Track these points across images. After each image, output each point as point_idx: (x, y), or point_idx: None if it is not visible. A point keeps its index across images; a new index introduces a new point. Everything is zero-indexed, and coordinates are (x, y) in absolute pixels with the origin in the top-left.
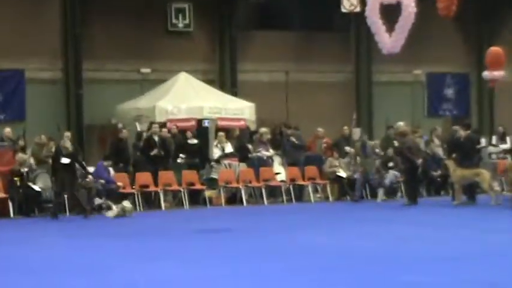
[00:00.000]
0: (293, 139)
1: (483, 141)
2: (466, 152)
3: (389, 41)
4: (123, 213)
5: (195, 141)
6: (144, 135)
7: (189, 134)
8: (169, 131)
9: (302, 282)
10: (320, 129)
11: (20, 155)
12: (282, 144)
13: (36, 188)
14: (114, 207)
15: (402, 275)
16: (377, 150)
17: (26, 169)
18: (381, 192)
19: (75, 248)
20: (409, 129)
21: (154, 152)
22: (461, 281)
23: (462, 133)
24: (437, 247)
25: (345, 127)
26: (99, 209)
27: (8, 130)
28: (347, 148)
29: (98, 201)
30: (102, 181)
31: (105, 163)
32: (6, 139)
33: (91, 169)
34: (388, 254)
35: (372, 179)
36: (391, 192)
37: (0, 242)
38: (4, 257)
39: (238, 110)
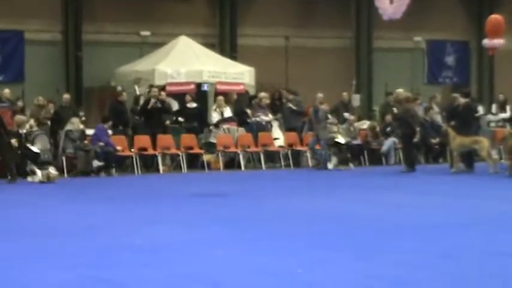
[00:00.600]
0: (290, 105)
1: (481, 110)
2: (465, 120)
3: (390, 6)
4: (47, 179)
5: (194, 105)
6: (142, 98)
7: (188, 97)
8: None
9: (298, 247)
10: (320, 95)
11: (19, 116)
12: (281, 109)
13: (35, 149)
14: (38, 172)
15: (399, 241)
16: (330, 116)
17: (24, 130)
18: (334, 161)
19: (73, 212)
20: (411, 97)
21: (152, 103)
22: (459, 248)
23: (461, 101)
24: (434, 214)
25: (344, 93)
26: (98, 171)
27: (7, 91)
28: (346, 114)
29: (96, 163)
30: (101, 143)
31: (105, 125)
32: (5, 100)
33: (90, 131)
34: (387, 220)
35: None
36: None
37: None
38: (1, 219)
39: (238, 74)
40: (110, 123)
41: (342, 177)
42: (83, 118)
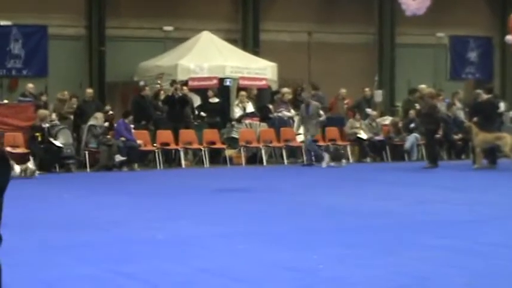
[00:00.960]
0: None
1: (502, 106)
2: (487, 116)
3: (414, 2)
4: (25, 174)
5: (216, 100)
6: (162, 92)
7: (210, 93)
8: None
9: (320, 242)
10: (343, 90)
11: (41, 111)
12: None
13: (58, 143)
14: (16, 167)
15: (422, 237)
16: (321, 112)
17: (47, 125)
18: (326, 158)
19: (96, 205)
20: (435, 92)
21: (172, 90)
22: (482, 244)
23: (484, 97)
24: (458, 210)
25: (366, 88)
26: (120, 166)
27: (30, 86)
28: (368, 110)
29: (118, 158)
30: (123, 138)
31: (126, 120)
32: (28, 94)
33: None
34: (409, 216)
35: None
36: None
37: (22, 198)
38: (27, 213)
39: (260, 69)
40: (131, 117)
41: (364, 173)
42: (110, 112)
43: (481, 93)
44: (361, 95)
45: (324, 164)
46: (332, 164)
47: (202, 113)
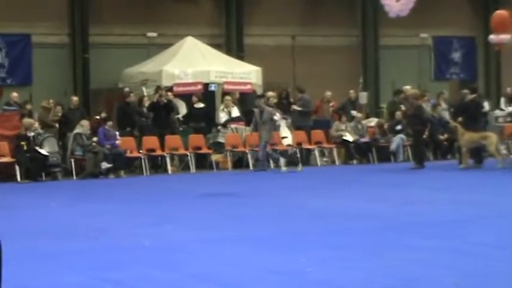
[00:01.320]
0: (295, 107)
1: (487, 105)
2: (472, 116)
3: (396, 3)
4: None
5: (201, 105)
6: (146, 99)
7: (194, 98)
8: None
9: (308, 245)
10: (328, 93)
11: (27, 119)
12: (288, 110)
13: (43, 152)
14: None
15: (409, 238)
16: (275, 118)
17: (32, 133)
18: (282, 162)
19: (82, 212)
20: (419, 93)
21: (157, 97)
22: (469, 244)
23: (469, 96)
24: (444, 210)
25: (351, 91)
26: (107, 173)
27: (15, 95)
28: (353, 112)
29: (104, 165)
30: (108, 146)
31: (106, 126)
32: (13, 103)
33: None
34: (396, 217)
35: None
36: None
37: (8, 207)
38: (13, 221)
39: (245, 74)
40: (110, 123)
41: (350, 175)
42: (103, 114)
43: (468, 93)
44: (346, 97)
45: (282, 169)
46: (285, 169)
47: (179, 117)
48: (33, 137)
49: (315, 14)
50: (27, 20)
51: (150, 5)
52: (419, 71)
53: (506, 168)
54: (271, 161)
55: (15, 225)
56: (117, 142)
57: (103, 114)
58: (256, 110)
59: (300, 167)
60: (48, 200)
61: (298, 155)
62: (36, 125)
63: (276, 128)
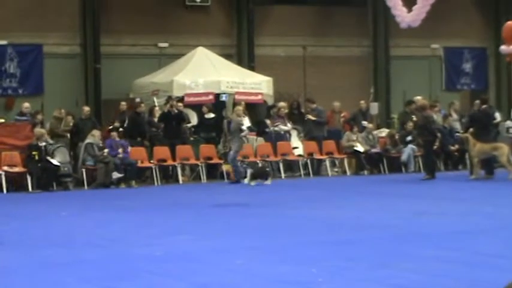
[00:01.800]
0: (310, 116)
1: (498, 116)
2: (483, 126)
3: (408, 14)
4: None
5: (211, 115)
6: (157, 109)
7: (205, 109)
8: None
9: (319, 256)
10: (336, 104)
11: (38, 129)
12: (300, 120)
13: (55, 162)
14: None
15: (421, 249)
16: (243, 128)
17: (43, 143)
18: (248, 174)
19: (93, 222)
20: (428, 104)
21: (168, 107)
22: (480, 255)
23: (480, 107)
24: (455, 221)
25: (362, 101)
26: (118, 183)
27: (26, 105)
28: (364, 122)
29: (115, 175)
30: (120, 155)
31: (115, 136)
32: (24, 113)
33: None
34: (407, 228)
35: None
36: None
37: (20, 217)
38: (25, 231)
39: (256, 84)
40: (115, 134)
41: (361, 185)
42: (116, 124)
43: (479, 103)
44: (357, 108)
45: (245, 181)
46: (253, 183)
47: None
48: (45, 147)
49: (326, 25)
50: (39, 30)
51: (161, 16)
52: (430, 81)
53: None
54: (248, 174)
55: (26, 235)
56: (128, 150)
57: (116, 124)
58: (224, 121)
59: (269, 181)
60: (59, 209)
61: (268, 168)
62: (46, 136)
63: (243, 138)
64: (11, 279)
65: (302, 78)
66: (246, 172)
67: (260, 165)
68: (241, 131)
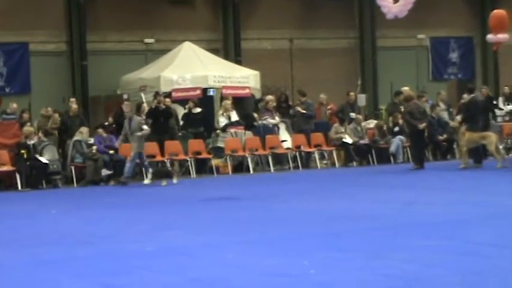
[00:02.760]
0: (299, 108)
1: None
2: (471, 116)
3: (394, 5)
4: None
5: (198, 110)
6: (144, 105)
7: (190, 104)
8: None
9: (310, 248)
10: (323, 96)
11: (27, 128)
12: (288, 113)
13: (44, 160)
14: None
15: (411, 238)
16: (144, 127)
17: (32, 141)
18: (149, 174)
19: (83, 219)
20: (415, 94)
21: (155, 103)
22: (471, 244)
23: (467, 97)
24: (445, 211)
25: (351, 93)
26: (107, 180)
27: (14, 106)
28: (352, 114)
29: (105, 172)
30: (112, 152)
31: (104, 134)
32: (10, 112)
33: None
34: (397, 218)
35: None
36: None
37: (10, 215)
38: (15, 229)
39: (243, 78)
40: (101, 130)
41: (350, 177)
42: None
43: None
44: (345, 99)
45: (147, 181)
46: (148, 181)
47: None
48: (33, 145)
49: (312, 17)
50: (25, 29)
51: (147, 11)
52: (417, 72)
53: (506, 167)
54: (149, 173)
55: (17, 234)
56: (116, 145)
57: (110, 119)
58: (126, 120)
59: (175, 179)
60: (49, 207)
61: (171, 168)
62: (40, 134)
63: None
64: (4, 278)
65: (289, 71)
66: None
67: (168, 165)
68: (141, 129)
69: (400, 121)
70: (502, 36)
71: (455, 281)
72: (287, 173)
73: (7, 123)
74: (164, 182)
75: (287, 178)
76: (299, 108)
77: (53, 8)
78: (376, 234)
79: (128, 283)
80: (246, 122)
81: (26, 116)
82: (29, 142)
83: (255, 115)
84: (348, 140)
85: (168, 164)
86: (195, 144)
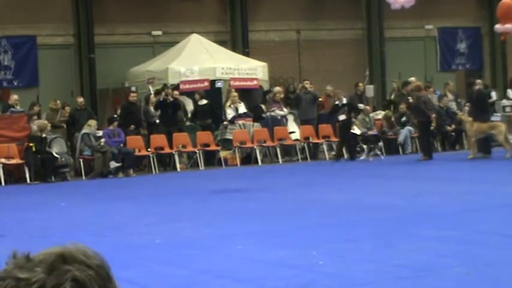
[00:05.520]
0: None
1: (494, 95)
2: (480, 106)
3: None
4: None
5: (204, 101)
6: (152, 97)
7: (197, 96)
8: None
9: (319, 238)
10: (329, 87)
11: (40, 121)
12: (295, 102)
13: (53, 153)
14: None
15: (421, 229)
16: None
17: (44, 134)
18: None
19: (93, 212)
20: (422, 85)
21: (163, 95)
22: (480, 234)
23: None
24: (454, 201)
25: (360, 84)
26: (115, 172)
27: (15, 97)
28: (361, 105)
29: (113, 164)
30: (122, 144)
31: (111, 127)
32: (12, 105)
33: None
34: (406, 209)
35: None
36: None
37: (19, 208)
38: (25, 222)
39: (251, 70)
40: (115, 123)
41: (359, 168)
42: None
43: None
44: (353, 91)
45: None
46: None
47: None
48: (43, 138)
49: (320, 8)
50: (33, 22)
51: (154, 4)
52: (425, 62)
53: None
54: None
55: (27, 227)
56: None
57: (119, 112)
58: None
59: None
60: (59, 200)
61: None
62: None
63: None
64: None
65: (297, 62)
66: None
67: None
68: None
69: (403, 110)
70: (510, 26)
71: (465, 271)
72: (295, 165)
73: (15, 116)
74: None
75: (295, 169)
76: (307, 86)
77: (60, 1)
78: (385, 224)
79: (137, 275)
80: (254, 113)
81: (37, 108)
82: (42, 135)
83: (263, 107)
84: (356, 131)
85: (176, 156)
86: (204, 136)
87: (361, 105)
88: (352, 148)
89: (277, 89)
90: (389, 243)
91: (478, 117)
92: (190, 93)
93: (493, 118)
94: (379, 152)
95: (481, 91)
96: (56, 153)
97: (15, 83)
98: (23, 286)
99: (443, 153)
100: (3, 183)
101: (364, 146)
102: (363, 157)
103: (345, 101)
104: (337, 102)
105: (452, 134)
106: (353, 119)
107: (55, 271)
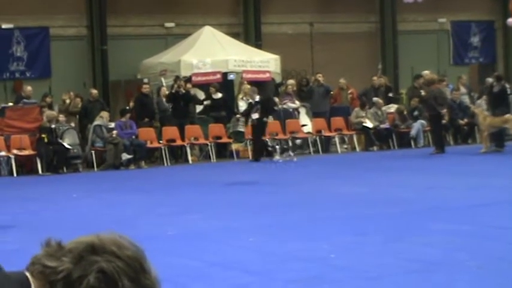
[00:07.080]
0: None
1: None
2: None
3: None
4: None
5: (219, 95)
6: (164, 89)
7: (212, 89)
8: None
9: (331, 232)
10: (342, 81)
11: (50, 112)
12: (307, 95)
13: (65, 144)
14: None
15: (433, 223)
16: None
17: (54, 125)
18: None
19: (105, 203)
20: (436, 78)
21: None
22: (492, 228)
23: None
24: (466, 195)
25: (374, 77)
26: (127, 164)
27: (29, 88)
28: (374, 98)
29: (125, 156)
30: (134, 136)
31: (123, 119)
32: (25, 97)
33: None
34: (418, 202)
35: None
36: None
37: (31, 199)
38: (36, 214)
39: (263, 62)
40: (128, 115)
41: (371, 161)
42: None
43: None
44: (368, 83)
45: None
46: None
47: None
48: (54, 129)
49: (333, 1)
50: (45, 13)
51: None
52: (438, 56)
53: None
54: None
55: (39, 218)
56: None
57: (131, 104)
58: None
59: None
60: (71, 192)
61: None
62: (61, 117)
63: None
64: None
65: (309, 55)
66: None
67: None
68: None
69: (415, 103)
70: None
71: (477, 265)
72: (308, 157)
73: (28, 108)
74: None
75: (308, 162)
76: (320, 79)
77: None
78: (397, 218)
79: None
80: (267, 106)
81: (49, 99)
82: (52, 126)
83: (276, 99)
84: (369, 124)
85: (188, 148)
86: (216, 128)
87: (375, 99)
88: (263, 148)
89: (290, 81)
90: (400, 236)
91: (499, 110)
92: (202, 86)
93: None
94: (292, 154)
95: (504, 86)
96: (68, 144)
97: (28, 75)
98: (49, 273)
99: (455, 147)
100: (15, 174)
101: (277, 147)
102: (276, 158)
103: (257, 98)
104: (250, 101)
105: (465, 127)
106: (265, 119)
107: (82, 261)
